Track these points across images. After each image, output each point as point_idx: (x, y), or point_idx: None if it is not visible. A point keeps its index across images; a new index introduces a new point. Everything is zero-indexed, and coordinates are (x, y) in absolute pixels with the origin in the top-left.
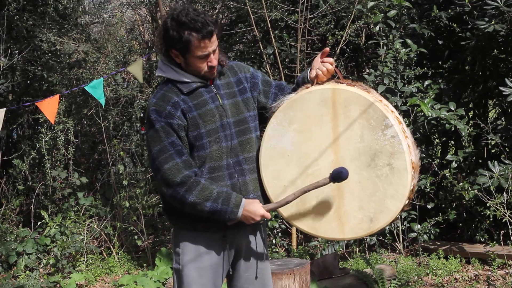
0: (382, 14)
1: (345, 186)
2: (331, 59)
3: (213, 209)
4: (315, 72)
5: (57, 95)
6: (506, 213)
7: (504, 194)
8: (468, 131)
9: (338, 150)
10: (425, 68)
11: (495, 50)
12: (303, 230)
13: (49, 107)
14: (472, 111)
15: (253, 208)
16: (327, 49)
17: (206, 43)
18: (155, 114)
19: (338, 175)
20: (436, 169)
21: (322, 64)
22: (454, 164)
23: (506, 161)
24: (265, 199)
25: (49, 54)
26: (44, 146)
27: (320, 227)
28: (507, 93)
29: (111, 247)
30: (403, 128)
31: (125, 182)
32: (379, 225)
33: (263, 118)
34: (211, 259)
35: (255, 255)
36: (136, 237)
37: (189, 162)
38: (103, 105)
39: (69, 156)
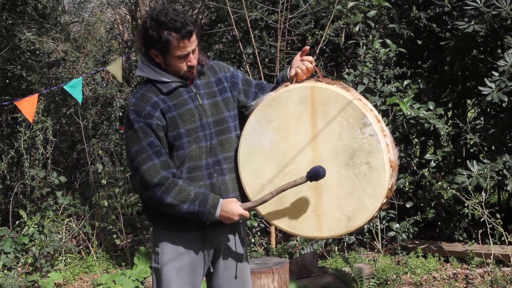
0: (362, 14)
1: (323, 184)
2: (310, 58)
3: (190, 210)
4: (295, 71)
5: (36, 94)
6: (484, 212)
7: (483, 193)
8: (447, 131)
9: (316, 149)
10: (405, 68)
11: (474, 50)
12: (282, 228)
13: (28, 106)
14: (451, 111)
15: (231, 208)
16: (307, 47)
17: (185, 43)
18: (134, 114)
19: (315, 174)
20: (415, 168)
21: (302, 63)
22: (433, 164)
23: (485, 161)
24: (244, 198)
25: (28, 53)
26: (22, 145)
27: (298, 225)
28: (486, 92)
29: (90, 246)
30: (382, 127)
31: (103, 181)
32: (357, 224)
33: (243, 116)
34: (190, 258)
35: (235, 254)
36: (114, 236)
37: (167, 163)
38: (80, 103)
39: (47, 155)
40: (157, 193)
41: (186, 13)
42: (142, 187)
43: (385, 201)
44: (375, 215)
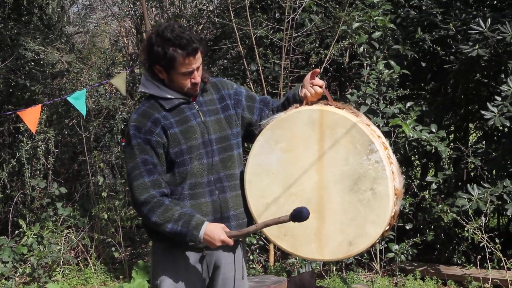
0: (367, 35)
1: (327, 208)
2: (321, 82)
3: (173, 230)
4: (304, 93)
5: (39, 105)
6: (484, 237)
7: (483, 218)
8: (448, 154)
9: (322, 172)
10: (408, 90)
11: (477, 75)
12: (283, 249)
13: (31, 116)
14: (453, 134)
15: (214, 233)
16: (317, 70)
17: (190, 60)
18: (134, 130)
19: (298, 215)
20: (415, 190)
21: (312, 87)
22: (433, 186)
23: (485, 185)
24: (248, 216)
25: (33, 63)
26: (24, 155)
27: (300, 247)
28: (488, 117)
29: (88, 258)
30: (389, 154)
31: (104, 194)
32: (357, 249)
33: (251, 135)
34: (189, 275)
35: (234, 272)
36: (113, 249)
37: (158, 182)
38: (84, 116)
39: (49, 166)
40: (144, 211)
41: (191, 30)
42: (132, 203)
43: (387, 228)
44: (376, 241)
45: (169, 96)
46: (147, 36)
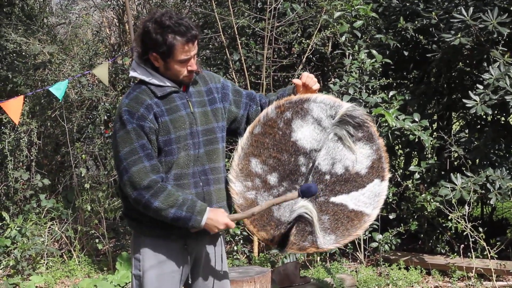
0: (348, 25)
1: None
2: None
3: (177, 215)
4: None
5: (22, 96)
6: (467, 226)
7: (466, 207)
8: (431, 143)
9: None
10: (390, 79)
11: (460, 63)
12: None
13: (14, 108)
14: (436, 123)
15: (217, 216)
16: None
17: (190, 46)
18: (127, 115)
19: (306, 190)
20: (398, 179)
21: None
22: (416, 175)
23: (468, 174)
24: (229, 210)
25: (15, 55)
26: (7, 147)
27: None
28: (470, 105)
29: (72, 250)
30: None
31: (87, 185)
32: None
33: (234, 129)
34: (171, 266)
35: (214, 264)
36: (97, 240)
37: (157, 167)
38: (60, 99)
39: (32, 158)
40: (145, 196)
41: (188, 17)
42: (130, 188)
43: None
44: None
45: (161, 84)
46: (142, 23)
